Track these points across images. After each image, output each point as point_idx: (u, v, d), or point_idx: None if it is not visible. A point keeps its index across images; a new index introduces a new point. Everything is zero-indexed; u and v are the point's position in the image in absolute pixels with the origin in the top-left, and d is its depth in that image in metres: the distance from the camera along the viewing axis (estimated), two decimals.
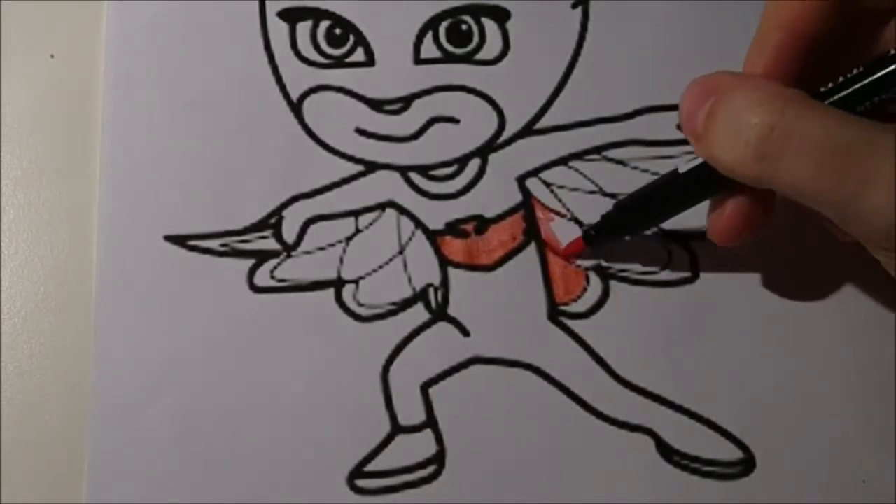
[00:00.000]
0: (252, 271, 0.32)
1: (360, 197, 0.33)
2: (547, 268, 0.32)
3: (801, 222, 0.32)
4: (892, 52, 0.25)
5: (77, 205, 0.33)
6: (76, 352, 0.32)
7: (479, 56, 0.34)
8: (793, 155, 0.24)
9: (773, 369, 0.31)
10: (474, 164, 0.33)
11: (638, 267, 0.32)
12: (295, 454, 0.31)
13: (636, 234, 0.32)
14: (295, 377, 0.31)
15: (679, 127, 0.33)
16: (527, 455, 0.31)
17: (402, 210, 0.33)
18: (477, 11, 0.34)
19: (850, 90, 0.25)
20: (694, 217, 0.32)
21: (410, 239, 0.33)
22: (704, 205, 0.31)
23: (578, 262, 0.32)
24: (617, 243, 0.32)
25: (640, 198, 0.30)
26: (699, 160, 0.28)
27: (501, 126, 0.33)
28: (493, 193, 0.33)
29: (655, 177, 0.32)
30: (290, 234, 0.33)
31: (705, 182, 0.28)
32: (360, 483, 0.30)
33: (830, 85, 0.26)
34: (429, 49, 0.34)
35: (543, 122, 0.33)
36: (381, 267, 0.32)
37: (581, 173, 0.33)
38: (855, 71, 0.26)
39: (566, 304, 0.32)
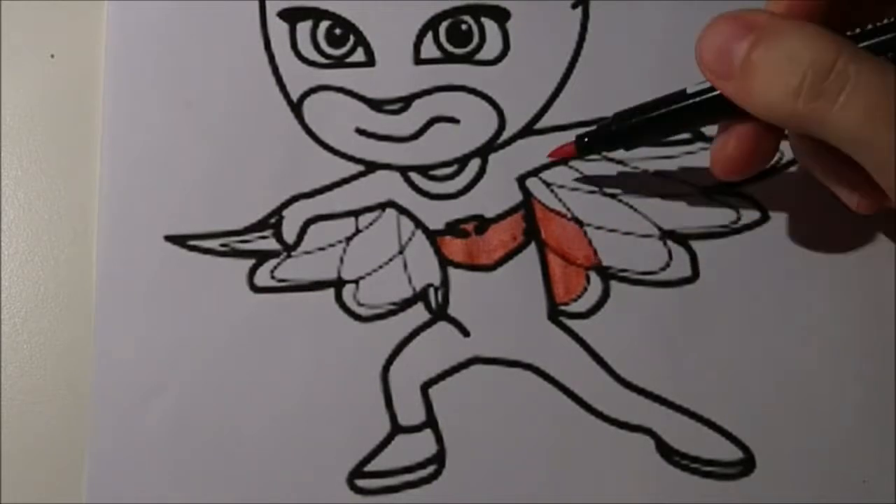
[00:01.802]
0: (252, 271, 0.32)
1: (360, 197, 0.33)
2: (547, 268, 0.32)
3: (801, 222, 0.32)
4: None
5: (77, 205, 0.33)
6: (76, 352, 0.32)
7: (479, 56, 0.34)
8: (848, 96, 0.24)
9: (773, 369, 0.31)
10: (474, 164, 0.33)
11: (638, 267, 0.32)
12: (295, 454, 0.31)
13: (629, 147, 0.31)
14: (295, 377, 0.31)
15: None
16: (527, 455, 0.31)
17: (402, 210, 0.33)
18: (477, 11, 0.34)
19: (882, 39, 0.25)
20: (694, 217, 0.32)
21: (410, 239, 0.33)
22: (704, 209, 0.31)
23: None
24: (608, 154, 0.32)
25: (640, 111, 0.30)
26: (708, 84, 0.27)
27: (501, 126, 0.33)
28: (493, 193, 0.33)
29: (655, 177, 0.32)
30: (290, 234, 0.33)
31: (713, 107, 0.28)
32: (360, 483, 0.30)
33: (858, 30, 0.26)
34: (429, 49, 0.34)
35: (543, 122, 0.33)
36: (381, 267, 0.32)
37: (581, 173, 0.33)
38: (886, 20, 0.26)
39: (566, 304, 0.32)
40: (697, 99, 0.28)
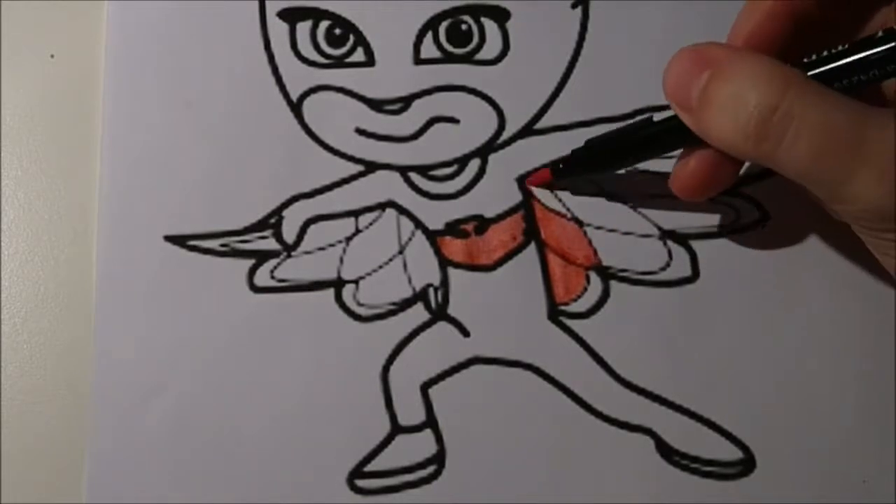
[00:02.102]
0: (252, 271, 0.32)
1: (360, 197, 0.33)
2: (547, 268, 0.32)
3: (801, 222, 0.32)
4: (880, 34, 0.25)
5: (77, 205, 0.33)
6: (76, 352, 0.32)
7: (479, 56, 0.34)
8: (793, 137, 0.24)
9: (773, 369, 0.31)
10: (474, 164, 0.33)
11: (638, 267, 0.32)
12: (295, 454, 0.31)
13: (601, 173, 0.32)
14: (295, 377, 0.31)
15: None
16: (527, 455, 0.31)
17: (402, 210, 0.33)
18: (477, 11, 0.34)
19: (832, 66, 0.26)
20: (694, 217, 0.32)
21: (410, 239, 0.33)
22: (704, 209, 0.31)
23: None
24: (582, 179, 0.32)
25: (610, 139, 0.30)
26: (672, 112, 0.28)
27: (501, 126, 0.33)
28: (493, 193, 0.33)
29: (655, 177, 0.32)
30: (290, 234, 0.33)
31: (676, 134, 0.28)
32: (360, 483, 0.30)
33: (814, 57, 0.26)
34: (429, 49, 0.34)
35: (543, 122, 0.33)
36: (381, 267, 0.32)
37: None
38: (840, 47, 0.26)
39: (566, 304, 0.32)
40: (662, 127, 0.29)
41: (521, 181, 0.33)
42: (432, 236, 0.33)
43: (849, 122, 0.24)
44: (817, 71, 0.26)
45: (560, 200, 0.33)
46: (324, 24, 0.34)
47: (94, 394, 0.31)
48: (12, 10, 0.35)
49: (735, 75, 0.26)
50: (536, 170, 0.33)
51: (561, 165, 0.32)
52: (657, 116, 0.29)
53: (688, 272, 0.32)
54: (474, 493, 0.30)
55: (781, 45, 0.28)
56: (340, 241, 0.33)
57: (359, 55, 0.34)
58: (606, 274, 0.32)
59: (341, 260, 0.32)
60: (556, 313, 0.32)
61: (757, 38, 0.28)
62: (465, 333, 0.32)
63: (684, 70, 0.27)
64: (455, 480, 0.30)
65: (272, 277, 0.32)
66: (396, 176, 0.33)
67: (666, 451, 0.31)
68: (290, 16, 0.34)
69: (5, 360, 0.32)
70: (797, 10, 0.28)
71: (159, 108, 0.33)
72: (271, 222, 0.33)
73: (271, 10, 0.34)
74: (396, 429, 0.31)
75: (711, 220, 0.32)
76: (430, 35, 0.34)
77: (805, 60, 0.26)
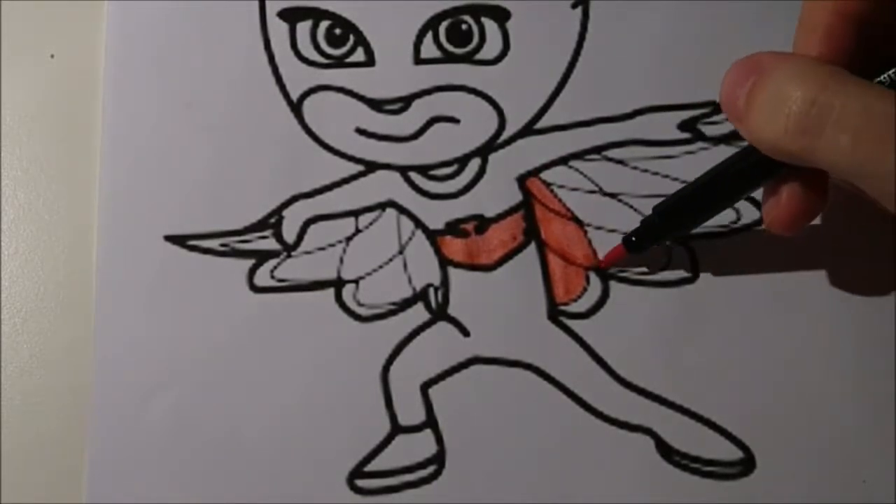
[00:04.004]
0: (252, 271, 0.32)
1: (360, 197, 0.33)
2: (547, 268, 0.32)
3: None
4: None
5: (77, 205, 0.33)
6: (76, 352, 0.32)
7: (479, 56, 0.34)
8: (833, 128, 0.24)
9: (773, 369, 0.31)
10: (474, 163, 0.33)
11: (638, 267, 0.32)
12: (295, 454, 0.31)
13: (679, 236, 0.32)
14: (295, 377, 0.31)
15: (681, 128, 0.33)
16: (527, 455, 0.31)
17: (402, 210, 0.33)
18: (477, 11, 0.34)
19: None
20: None
21: (410, 239, 0.33)
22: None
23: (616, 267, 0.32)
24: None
25: (681, 200, 0.30)
26: (739, 151, 0.28)
27: (501, 126, 0.33)
28: (493, 193, 0.33)
29: (655, 177, 0.32)
30: (290, 234, 0.33)
31: (750, 172, 0.28)
32: (360, 483, 0.30)
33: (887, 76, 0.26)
34: (429, 49, 0.34)
35: (543, 122, 0.33)
36: (381, 267, 0.32)
37: (581, 173, 0.33)
38: None
39: (566, 304, 0.32)
40: (732, 171, 0.29)
41: (521, 181, 0.33)
42: (432, 236, 0.33)
43: (890, 109, 0.24)
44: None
45: (560, 200, 0.33)
46: (324, 24, 0.34)
47: (94, 394, 0.31)
48: (12, 10, 0.35)
49: (776, 75, 0.26)
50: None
51: (634, 238, 0.31)
52: (723, 161, 0.29)
53: (688, 272, 0.32)
54: (474, 493, 0.30)
55: (850, 61, 0.27)
56: (340, 241, 0.33)
57: (359, 55, 0.34)
58: (606, 274, 0.32)
59: (341, 260, 0.32)
60: (556, 313, 0.32)
61: (826, 58, 0.27)
62: (465, 333, 0.32)
63: (733, 80, 0.27)
64: (455, 480, 0.30)
65: (272, 277, 0.32)
66: (396, 176, 0.33)
67: (666, 451, 0.31)
68: (290, 16, 0.34)
69: (5, 360, 0.32)
70: (856, 19, 0.27)
71: (159, 108, 0.33)
72: (271, 222, 0.33)
73: (271, 10, 0.34)
74: (396, 429, 0.31)
75: (711, 220, 0.32)
76: (430, 35, 0.34)
77: (879, 80, 0.26)
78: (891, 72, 0.26)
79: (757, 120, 0.26)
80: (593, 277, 0.32)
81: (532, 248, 0.32)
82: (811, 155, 0.25)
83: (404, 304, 0.32)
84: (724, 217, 0.32)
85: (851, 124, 0.24)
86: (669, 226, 0.30)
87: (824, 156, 0.25)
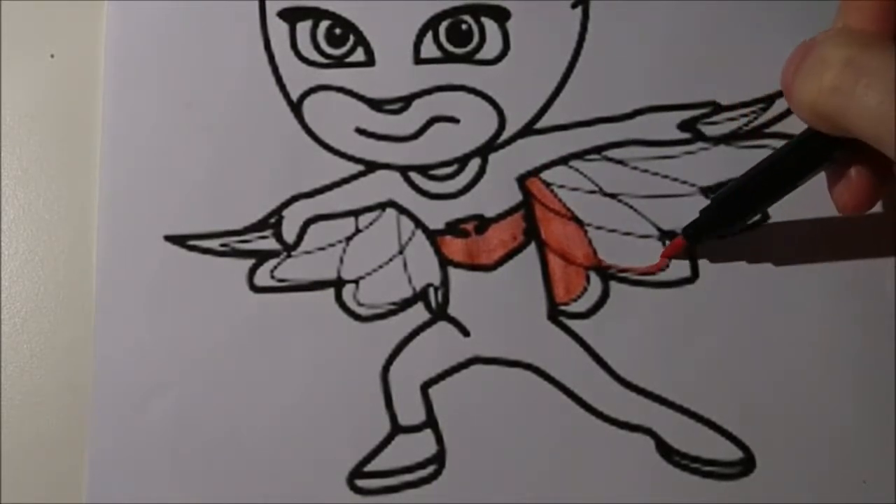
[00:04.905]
0: (252, 271, 0.32)
1: (360, 197, 0.33)
2: (547, 268, 0.32)
3: (801, 222, 0.32)
4: None
5: (77, 205, 0.33)
6: (76, 352, 0.32)
7: (479, 56, 0.34)
8: (863, 88, 0.24)
9: (774, 369, 0.31)
10: (474, 163, 0.33)
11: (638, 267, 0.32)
12: (295, 454, 0.31)
13: (736, 227, 0.32)
14: (295, 377, 0.31)
15: (681, 128, 0.33)
16: (527, 455, 0.31)
17: (402, 210, 0.33)
18: (477, 11, 0.34)
19: None
20: (693, 216, 0.32)
21: (410, 239, 0.33)
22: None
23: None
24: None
25: (739, 189, 0.30)
26: (796, 137, 0.29)
27: (501, 126, 0.33)
28: (494, 193, 0.33)
29: (655, 177, 0.32)
30: (290, 234, 0.33)
31: (805, 157, 0.29)
32: (360, 483, 0.30)
33: None
34: (429, 49, 0.34)
35: (543, 122, 0.33)
36: (381, 267, 0.32)
37: (581, 173, 0.33)
38: None
39: (566, 304, 0.32)
40: (785, 158, 0.29)
41: (521, 181, 0.33)
42: (432, 236, 0.33)
43: None
44: None
45: (560, 200, 0.33)
46: (324, 24, 0.34)
47: (94, 394, 0.31)
48: (12, 10, 0.35)
49: (822, 42, 0.26)
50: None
51: (692, 230, 0.31)
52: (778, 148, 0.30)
53: (688, 272, 0.32)
54: (474, 493, 0.30)
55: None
56: (340, 241, 0.33)
57: (359, 55, 0.34)
58: (606, 274, 0.32)
59: (341, 260, 0.32)
60: (556, 313, 0.32)
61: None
62: (465, 333, 0.32)
63: (789, 59, 0.28)
64: (455, 480, 0.30)
65: (272, 277, 0.32)
66: (396, 176, 0.33)
67: (666, 451, 0.31)
68: (290, 16, 0.34)
69: (5, 360, 0.32)
70: None
71: (159, 108, 0.33)
72: (271, 222, 0.33)
73: (271, 10, 0.34)
74: (396, 429, 0.31)
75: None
76: (430, 35, 0.34)
77: None
78: None
79: (798, 86, 0.27)
80: (593, 277, 0.32)
81: (532, 248, 0.32)
82: (841, 116, 0.25)
83: (404, 304, 0.32)
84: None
85: (882, 87, 0.24)
86: (728, 215, 0.30)
87: (853, 115, 0.25)
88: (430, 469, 0.31)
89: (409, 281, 0.32)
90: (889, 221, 0.32)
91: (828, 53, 0.26)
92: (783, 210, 0.32)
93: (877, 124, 0.24)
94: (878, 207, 0.32)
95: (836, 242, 0.32)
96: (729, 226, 0.31)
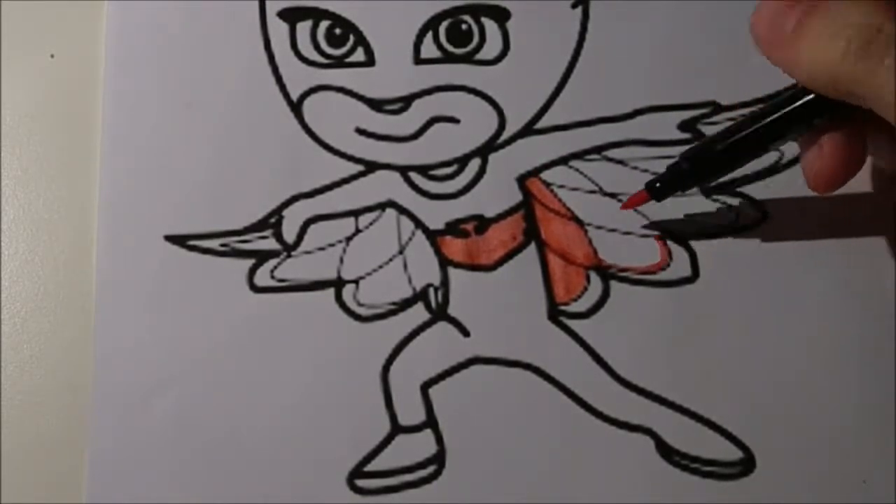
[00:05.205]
0: (252, 271, 0.32)
1: (360, 197, 0.33)
2: (547, 268, 0.32)
3: (801, 222, 0.32)
4: None
5: (77, 205, 0.33)
6: (76, 352, 0.32)
7: (479, 56, 0.34)
8: (894, 58, 0.24)
9: (774, 369, 0.31)
10: (474, 163, 0.33)
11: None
12: (295, 454, 0.31)
13: (704, 185, 0.32)
14: (295, 377, 0.31)
15: (681, 128, 0.33)
16: (527, 455, 0.31)
17: (402, 210, 0.33)
18: (477, 11, 0.34)
19: None
20: (694, 217, 0.32)
21: (410, 239, 0.33)
22: (704, 209, 0.31)
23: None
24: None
25: (709, 146, 0.30)
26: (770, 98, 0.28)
27: (501, 126, 0.33)
28: (494, 193, 0.33)
29: (656, 176, 0.32)
30: (290, 234, 0.33)
31: (782, 119, 0.28)
32: (360, 483, 0.30)
33: None
34: (429, 49, 0.34)
35: (543, 122, 0.33)
36: (381, 267, 0.32)
37: (581, 173, 0.33)
38: None
39: (566, 304, 0.32)
40: (759, 119, 0.29)
41: (521, 181, 0.33)
42: (432, 236, 0.33)
43: None
44: None
45: (560, 200, 0.33)
46: (324, 24, 0.34)
47: (94, 394, 0.31)
48: (12, 10, 0.35)
49: (835, 4, 0.26)
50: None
51: (658, 185, 0.30)
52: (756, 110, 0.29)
53: (688, 272, 0.32)
54: (474, 493, 0.30)
55: None
56: (340, 241, 0.33)
57: (359, 55, 0.34)
58: (606, 274, 0.32)
59: (341, 260, 0.32)
60: (556, 313, 0.32)
61: None
62: (466, 333, 0.32)
63: (776, 9, 0.27)
64: (455, 480, 0.30)
65: (272, 277, 0.32)
66: (396, 176, 0.33)
67: (666, 451, 0.31)
68: (290, 16, 0.34)
69: (5, 360, 0.32)
70: None
71: (159, 109, 0.33)
72: (271, 222, 0.33)
73: (271, 10, 0.34)
74: (396, 429, 0.31)
75: (711, 219, 0.32)
76: (430, 35, 0.34)
77: None
78: None
79: (810, 46, 0.26)
80: (593, 277, 0.32)
81: (532, 248, 0.32)
82: (863, 82, 0.25)
83: (404, 304, 0.32)
84: (725, 217, 0.32)
85: None
86: (696, 173, 0.30)
87: (879, 83, 0.25)
88: (430, 469, 0.31)
89: (409, 281, 0.32)
90: (889, 221, 0.32)
91: (850, 17, 0.25)
92: (783, 210, 0.32)
93: None
94: (877, 207, 0.32)
95: (837, 242, 0.32)
96: (697, 183, 0.31)
